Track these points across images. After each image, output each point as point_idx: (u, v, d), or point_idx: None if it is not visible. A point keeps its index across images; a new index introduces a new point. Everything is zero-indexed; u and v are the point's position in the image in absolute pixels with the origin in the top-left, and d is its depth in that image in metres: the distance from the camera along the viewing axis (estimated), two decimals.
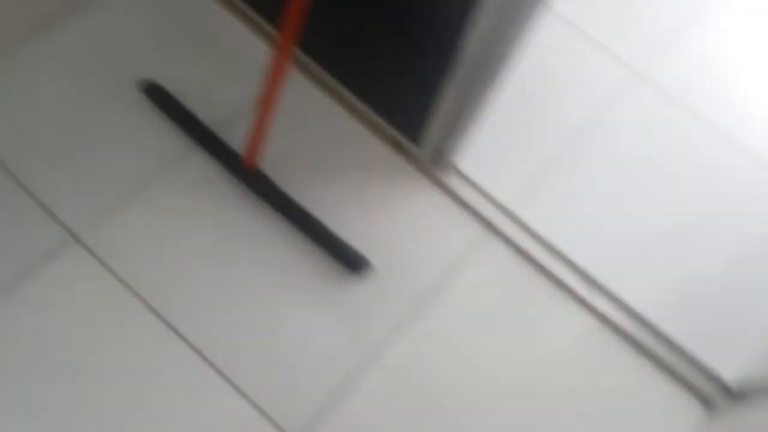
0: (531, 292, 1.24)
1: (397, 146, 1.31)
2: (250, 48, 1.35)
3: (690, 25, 1.59)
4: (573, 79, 1.47)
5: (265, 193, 1.22)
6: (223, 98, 1.30)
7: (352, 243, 1.21)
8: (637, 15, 1.58)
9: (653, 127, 1.44)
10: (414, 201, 1.29)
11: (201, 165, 1.24)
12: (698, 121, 1.46)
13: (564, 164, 1.36)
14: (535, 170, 1.35)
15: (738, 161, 1.44)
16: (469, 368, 1.17)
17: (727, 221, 1.36)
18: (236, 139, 1.21)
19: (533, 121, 1.40)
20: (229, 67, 1.33)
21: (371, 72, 1.20)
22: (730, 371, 1.18)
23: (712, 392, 1.16)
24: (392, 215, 1.27)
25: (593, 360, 1.20)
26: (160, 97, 1.26)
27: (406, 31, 1.03)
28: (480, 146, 1.32)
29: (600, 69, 1.49)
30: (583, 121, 1.42)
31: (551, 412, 1.15)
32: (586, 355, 1.20)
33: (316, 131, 1.32)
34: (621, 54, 1.52)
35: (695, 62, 1.54)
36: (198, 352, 1.10)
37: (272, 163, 1.24)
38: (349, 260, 1.20)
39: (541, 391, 1.17)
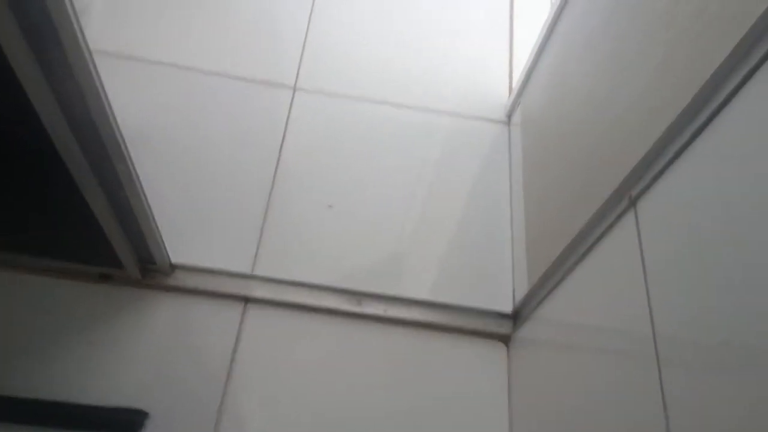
0: (316, 334, 1.19)
1: (105, 279, 1.18)
2: None
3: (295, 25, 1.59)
4: (237, 121, 1.42)
5: None
6: None
7: (111, 405, 1.07)
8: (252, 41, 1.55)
9: (334, 128, 1.45)
10: (153, 318, 1.17)
11: None
12: (370, 104, 1.49)
13: (275, 202, 1.33)
14: (252, 222, 1.29)
15: (418, 122, 1.49)
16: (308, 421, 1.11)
17: (439, 178, 1.41)
18: None
19: (224, 179, 1.34)
20: None
21: (18, 227, 1.06)
22: (505, 302, 1.25)
23: (500, 327, 1.22)
24: (139, 344, 1.14)
25: (402, 361, 1.19)
26: None
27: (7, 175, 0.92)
28: (189, 231, 1.25)
29: (254, 101, 1.45)
30: (268, 154, 1.38)
31: (401, 426, 1.13)
32: (393, 361, 1.18)
33: (8, 311, 1.14)
34: (265, 78, 1.49)
35: (331, 58, 1.56)
36: None
37: None
38: (117, 426, 1.06)
39: (382, 411, 1.13)
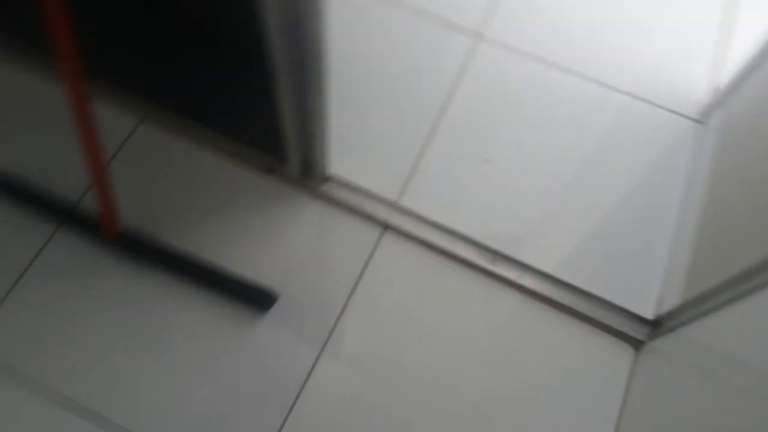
0: (443, 278, 1.20)
1: (268, 171, 1.26)
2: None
3: None
4: (416, 54, 1.42)
5: (142, 253, 1.16)
6: (69, 169, 1.23)
7: (251, 279, 1.16)
8: None
9: (509, 84, 1.40)
10: (300, 218, 1.24)
11: (69, 245, 1.18)
12: (550, 68, 1.42)
13: (435, 142, 1.32)
14: (409, 155, 1.30)
15: (599, 96, 1.40)
16: (410, 372, 1.12)
17: (605, 159, 1.33)
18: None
19: (392, 107, 1.36)
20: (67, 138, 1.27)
21: (209, 100, 1.15)
22: (646, 306, 1.16)
23: (635, 330, 1.13)
24: (284, 237, 1.22)
25: (519, 331, 1.16)
26: (7, 187, 1.20)
27: (214, 49, 0.99)
28: (349, 147, 1.29)
29: (437, 38, 1.44)
30: (439, 93, 1.37)
31: (499, 394, 1.11)
32: (510, 328, 1.16)
33: (182, 176, 1.26)
34: (452, 18, 1.46)
35: (523, 12, 1.49)
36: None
37: (145, 219, 1.19)
38: (253, 299, 1.15)
39: (484, 373, 1.13)
